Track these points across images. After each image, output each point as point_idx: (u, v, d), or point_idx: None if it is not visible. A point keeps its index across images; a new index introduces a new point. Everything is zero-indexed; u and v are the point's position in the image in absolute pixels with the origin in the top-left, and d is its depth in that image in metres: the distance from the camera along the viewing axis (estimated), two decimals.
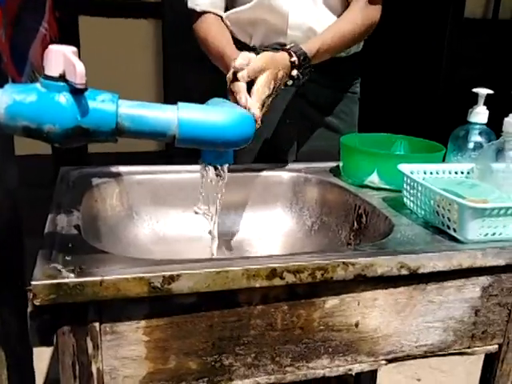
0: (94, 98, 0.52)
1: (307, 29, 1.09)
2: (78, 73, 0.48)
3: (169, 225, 0.99)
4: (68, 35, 2.52)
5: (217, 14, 1.12)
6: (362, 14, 1.08)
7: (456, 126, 1.02)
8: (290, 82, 0.97)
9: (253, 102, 0.80)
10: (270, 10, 1.09)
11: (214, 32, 1.08)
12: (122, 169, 0.99)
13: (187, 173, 1.01)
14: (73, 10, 2.58)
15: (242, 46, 1.13)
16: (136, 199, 0.98)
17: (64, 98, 0.50)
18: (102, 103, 0.52)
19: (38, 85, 0.51)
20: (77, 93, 0.50)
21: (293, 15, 1.08)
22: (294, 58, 0.95)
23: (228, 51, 1.01)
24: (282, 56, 0.94)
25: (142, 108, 0.54)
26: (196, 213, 0.83)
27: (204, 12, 1.11)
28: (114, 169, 0.99)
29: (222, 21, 1.13)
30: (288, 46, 0.98)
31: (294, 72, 0.96)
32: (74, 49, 0.51)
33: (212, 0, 1.10)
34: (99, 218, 0.90)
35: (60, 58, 0.50)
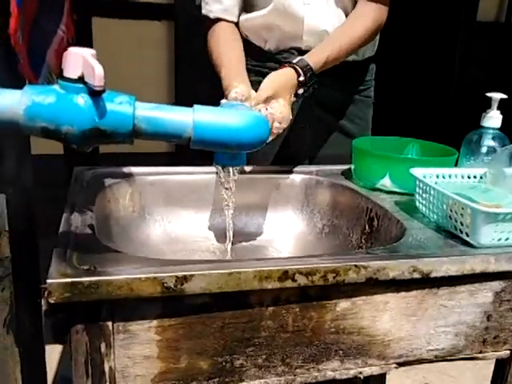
0: (111, 99, 0.53)
1: (322, 33, 1.09)
2: (97, 75, 0.49)
3: (180, 225, 1.00)
4: (81, 36, 2.54)
5: (230, 21, 1.11)
6: (370, 17, 1.06)
7: (468, 130, 1.01)
8: (293, 98, 0.96)
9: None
10: (285, 16, 1.08)
11: (222, 47, 1.06)
12: (135, 170, 1.00)
13: (199, 174, 1.02)
14: (86, 12, 2.60)
15: (257, 50, 1.13)
16: (148, 200, 0.99)
17: (82, 100, 0.51)
18: (119, 105, 0.53)
19: (56, 86, 0.51)
20: (95, 95, 0.51)
21: (308, 20, 1.08)
22: (302, 78, 0.94)
23: (224, 73, 0.99)
24: (290, 76, 0.93)
25: (159, 110, 0.55)
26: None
27: (217, 19, 1.09)
28: (126, 169, 1.00)
29: (237, 26, 1.12)
30: (295, 61, 0.96)
31: (301, 91, 0.95)
32: (93, 51, 0.52)
33: (225, 7, 1.09)
34: (112, 218, 0.91)
35: (79, 60, 0.50)
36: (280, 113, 0.88)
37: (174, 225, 1.00)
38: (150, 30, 2.89)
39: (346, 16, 1.09)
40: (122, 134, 0.53)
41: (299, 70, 0.94)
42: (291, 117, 0.92)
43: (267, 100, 0.88)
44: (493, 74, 3.39)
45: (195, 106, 0.56)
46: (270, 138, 0.87)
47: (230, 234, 0.84)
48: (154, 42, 2.92)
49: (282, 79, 0.92)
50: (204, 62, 1.09)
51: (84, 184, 0.93)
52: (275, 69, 1.14)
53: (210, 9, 1.09)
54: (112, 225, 0.90)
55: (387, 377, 1.37)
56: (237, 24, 1.13)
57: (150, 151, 2.75)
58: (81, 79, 0.51)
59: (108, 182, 0.94)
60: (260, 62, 1.14)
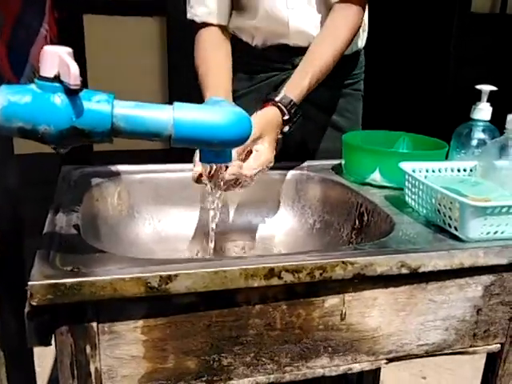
0: (89, 98, 0.52)
1: (308, 35, 1.08)
2: (72, 74, 0.48)
3: (170, 224, 0.99)
4: (73, 34, 2.53)
5: (217, 25, 1.07)
6: (346, 24, 1.02)
7: (460, 123, 1.01)
8: (279, 136, 0.95)
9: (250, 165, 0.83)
10: (270, 19, 1.08)
11: (206, 62, 1.03)
12: (124, 168, 0.99)
13: (189, 171, 1.01)
14: (77, 9, 2.58)
15: (244, 45, 1.12)
16: (137, 198, 0.98)
17: (59, 99, 0.50)
18: (97, 104, 0.52)
19: (33, 86, 0.51)
20: (72, 93, 0.50)
21: (293, 22, 1.08)
22: (287, 116, 0.92)
23: (206, 85, 0.98)
24: (275, 116, 0.92)
25: (138, 108, 0.54)
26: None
27: (204, 23, 1.07)
28: (115, 168, 0.99)
29: (224, 29, 1.09)
30: (278, 98, 0.93)
31: (286, 128, 0.94)
32: (69, 49, 0.51)
33: (211, 10, 1.06)
34: (100, 218, 0.91)
35: (55, 58, 0.49)
36: (266, 159, 0.87)
37: (164, 223, 0.99)
38: (142, 26, 2.88)
39: None
40: (101, 133, 0.52)
41: (283, 108, 0.92)
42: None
43: (253, 141, 0.86)
44: (487, 66, 3.37)
45: (175, 104, 0.55)
46: (252, 184, 0.87)
47: (212, 233, 0.83)
48: (147, 38, 2.90)
49: (267, 119, 0.90)
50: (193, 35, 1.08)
51: (71, 183, 0.92)
52: (262, 66, 1.13)
53: (195, 12, 1.07)
54: (100, 224, 0.90)
55: (383, 371, 1.37)
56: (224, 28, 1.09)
57: (144, 148, 2.74)
58: (57, 78, 0.50)
59: (96, 180, 0.94)
60: (247, 57, 1.13)
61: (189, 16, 1.08)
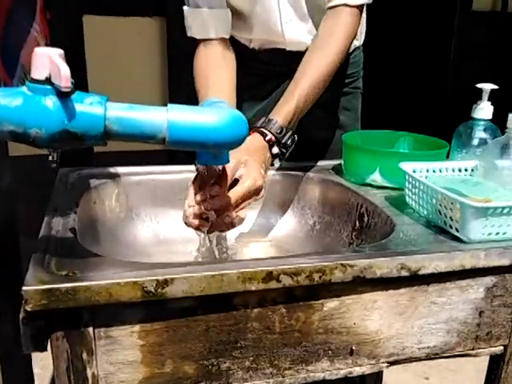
0: (81, 100, 0.51)
1: (306, 44, 1.06)
2: (63, 76, 0.47)
3: (169, 226, 0.98)
4: (73, 34, 2.52)
5: (219, 38, 1.04)
6: (340, 32, 0.96)
7: (462, 122, 0.99)
8: (276, 162, 0.91)
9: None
10: (266, 31, 1.07)
11: (209, 82, 0.98)
12: (122, 170, 0.99)
13: (187, 173, 1.00)
14: (77, 10, 2.58)
15: (242, 47, 1.12)
16: (135, 200, 0.97)
17: (50, 102, 0.49)
18: (89, 106, 0.51)
19: (24, 88, 0.50)
20: (63, 96, 0.49)
21: (288, 35, 1.07)
22: (269, 136, 0.87)
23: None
24: (255, 139, 0.86)
25: (131, 110, 0.53)
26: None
27: (204, 39, 1.03)
28: (113, 170, 0.98)
29: (227, 41, 1.06)
30: (259, 124, 0.88)
31: (275, 149, 0.88)
32: (61, 51, 0.50)
33: (210, 27, 1.01)
34: (98, 220, 0.90)
35: (46, 60, 0.49)
36: (252, 182, 0.80)
37: (163, 225, 0.98)
38: (141, 26, 2.87)
39: None
40: (93, 137, 0.51)
41: (264, 130, 0.87)
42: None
43: (234, 169, 0.80)
44: (488, 64, 3.35)
45: (169, 106, 0.54)
46: (243, 215, 0.79)
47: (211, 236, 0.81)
48: (147, 38, 2.90)
49: (246, 144, 0.78)
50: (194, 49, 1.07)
51: (68, 186, 0.91)
52: (260, 69, 1.10)
53: (195, 32, 1.04)
54: (98, 227, 0.89)
55: (386, 371, 1.35)
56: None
57: (146, 149, 2.73)
58: (48, 80, 0.49)
59: (93, 183, 0.93)
60: (245, 59, 1.12)
61: (189, 34, 1.05)
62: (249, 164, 0.81)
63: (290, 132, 0.90)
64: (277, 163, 0.96)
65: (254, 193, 0.80)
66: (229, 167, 0.77)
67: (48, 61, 0.48)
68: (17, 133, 0.49)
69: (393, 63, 3.68)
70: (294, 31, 1.07)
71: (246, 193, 0.79)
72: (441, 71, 3.46)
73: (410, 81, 3.68)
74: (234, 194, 0.78)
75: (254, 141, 0.87)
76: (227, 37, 1.05)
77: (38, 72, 0.49)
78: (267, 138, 0.87)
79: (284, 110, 0.90)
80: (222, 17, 1.03)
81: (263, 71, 1.15)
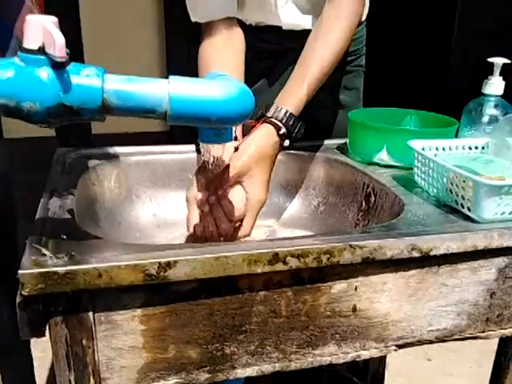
0: (77, 72, 0.48)
1: (303, 26, 1.03)
2: (58, 44, 0.44)
3: (170, 207, 0.96)
4: (68, 9, 2.46)
5: (225, 18, 0.98)
6: (347, 15, 0.92)
7: (469, 99, 0.96)
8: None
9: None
10: (262, 13, 1.04)
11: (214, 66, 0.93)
12: (121, 150, 0.96)
13: (187, 153, 0.98)
14: None
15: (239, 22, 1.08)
16: (135, 181, 0.95)
17: (45, 73, 0.46)
18: (86, 78, 0.48)
19: (15, 59, 0.47)
20: (58, 67, 0.46)
21: (285, 19, 1.04)
22: (283, 130, 0.82)
23: None
24: (268, 136, 0.81)
25: (131, 82, 0.50)
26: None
27: (209, 22, 0.97)
28: (111, 150, 0.95)
29: (233, 20, 1.00)
30: (270, 114, 0.82)
31: (287, 142, 0.83)
32: (54, 19, 0.47)
33: (216, 6, 0.95)
34: (97, 202, 0.87)
35: (39, 29, 0.45)
36: (256, 201, 0.80)
37: (163, 206, 0.96)
38: (139, 3, 2.83)
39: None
40: (91, 110, 0.48)
41: (277, 123, 0.82)
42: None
43: (241, 175, 0.79)
44: (493, 41, 3.29)
45: (171, 77, 0.51)
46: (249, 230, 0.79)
47: None
48: (144, 10, 2.85)
49: (260, 146, 0.80)
50: (197, 35, 1.03)
51: (66, 166, 0.88)
52: (256, 46, 1.06)
53: (199, 16, 0.98)
54: (97, 209, 0.86)
55: (389, 354, 1.35)
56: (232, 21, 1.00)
57: (147, 130, 2.70)
58: (42, 50, 0.46)
59: (92, 163, 0.90)
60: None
61: (193, 20, 0.99)
62: (257, 178, 0.79)
63: (300, 124, 0.85)
64: None
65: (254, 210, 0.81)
66: (234, 168, 0.76)
67: (41, 29, 0.45)
68: (9, 107, 0.46)
69: (394, 39, 3.60)
70: (290, 14, 1.03)
71: (254, 219, 0.80)
72: (444, 48, 3.39)
73: (412, 58, 3.61)
74: (244, 222, 0.79)
75: (268, 136, 0.81)
76: (233, 16, 1.00)
77: (31, 41, 0.45)
78: (281, 132, 0.82)
79: (295, 98, 0.85)
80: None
81: (259, 48, 1.11)
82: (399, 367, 1.65)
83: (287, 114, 0.83)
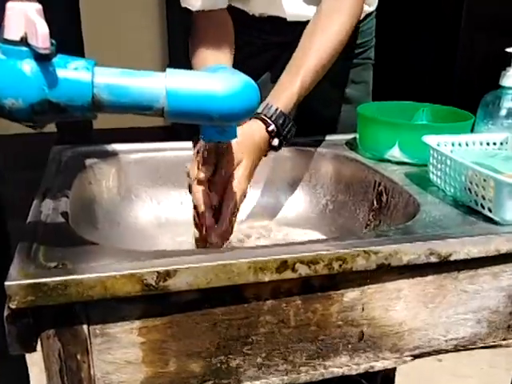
0: (64, 65, 0.43)
1: (305, 14, 0.97)
2: (41, 34, 0.39)
3: (171, 206, 0.92)
4: (69, 9, 2.42)
5: (217, 9, 0.95)
6: (349, 8, 0.88)
7: (484, 91, 0.91)
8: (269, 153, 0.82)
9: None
10: (267, 5, 1.00)
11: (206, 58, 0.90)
12: (120, 147, 0.91)
13: (188, 150, 0.93)
14: None
15: (240, 14, 1.03)
16: (135, 180, 0.90)
17: (27, 66, 0.41)
18: (74, 71, 0.43)
19: None
20: (42, 59, 0.42)
21: (288, 10, 0.99)
22: (272, 127, 0.79)
23: None
24: (256, 130, 0.78)
25: (124, 76, 0.45)
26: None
27: (200, 11, 0.94)
28: (109, 147, 0.91)
29: (224, 11, 0.97)
30: (260, 110, 0.79)
31: (275, 142, 0.80)
32: (38, 6, 0.42)
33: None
34: (94, 202, 0.83)
35: (21, 18, 0.41)
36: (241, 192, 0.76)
37: (164, 206, 0.92)
38: (140, 3, 2.78)
39: None
40: (80, 107, 0.44)
41: (267, 119, 0.79)
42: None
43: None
44: (501, 32, 3.22)
45: (168, 70, 0.47)
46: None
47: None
48: (145, 15, 2.81)
49: (250, 140, 0.76)
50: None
51: (62, 165, 0.84)
52: (259, 38, 1.02)
53: (190, 2, 0.94)
54: (94, 210, 0.82)
55: None
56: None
57: (151, 125, 2.66)
58: (24, 41, 0.41)
59: (89, 161, 0.86)
60: (244, 26, 1.03)
61: (183, 5, 0.96)
62: (243, 166, 0.75)
63: (291, 123, 0.81)
64: None
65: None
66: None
67: (23, 18, 0.40)
68: None
69: (402, 33, 3.53)
70: (294, 5, 0.98)
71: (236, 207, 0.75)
72: (452, 40, 3.32)
73: (421, 51, 3.54)
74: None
75: (257, 129, 0.78)
76: (225, 6, 0.96)
77: (12, 31, 0.41)
78: (270, 129, 0.79)
79: (286, 96, 0.82)
80: None
81: (263, 40, 1.06)
82: (409, 368, 1.59)
83: (277, 112, 0.79)
